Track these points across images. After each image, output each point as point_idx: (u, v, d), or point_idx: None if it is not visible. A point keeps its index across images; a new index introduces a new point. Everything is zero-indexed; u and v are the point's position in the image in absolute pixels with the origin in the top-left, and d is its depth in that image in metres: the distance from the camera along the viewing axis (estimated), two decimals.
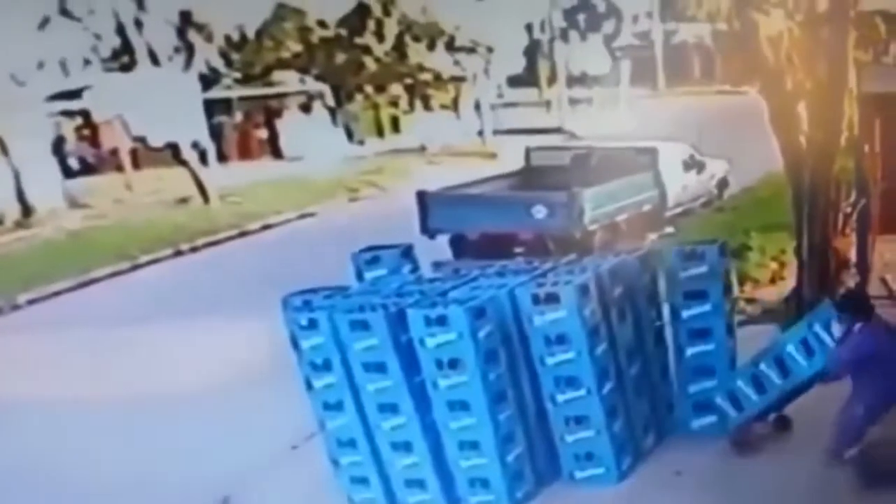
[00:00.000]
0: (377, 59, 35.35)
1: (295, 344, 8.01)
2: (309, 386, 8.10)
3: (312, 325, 7.88)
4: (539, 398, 8.14)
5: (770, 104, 11.55)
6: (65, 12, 26.56)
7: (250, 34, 33.87)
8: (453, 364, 7.60)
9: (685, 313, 8.74)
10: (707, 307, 8.71)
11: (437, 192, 16.91)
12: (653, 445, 8.74)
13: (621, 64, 45.00)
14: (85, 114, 29.13)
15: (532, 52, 42.79)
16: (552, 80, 42.44)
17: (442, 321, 7.54)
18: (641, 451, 8.57)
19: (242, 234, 21.79)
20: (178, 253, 20.06)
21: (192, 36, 29.59)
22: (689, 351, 8.80)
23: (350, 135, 35.59)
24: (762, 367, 8.26)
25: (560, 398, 8.02)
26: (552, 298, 7.83)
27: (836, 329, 7.85)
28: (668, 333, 9.03)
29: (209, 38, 31.09)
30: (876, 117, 12.27)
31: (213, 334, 13.46)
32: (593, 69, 44.32)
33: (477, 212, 16.14)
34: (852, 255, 11.84)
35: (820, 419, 8.34)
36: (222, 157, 31.03)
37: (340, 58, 35.06)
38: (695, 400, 8.86)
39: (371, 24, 34.86)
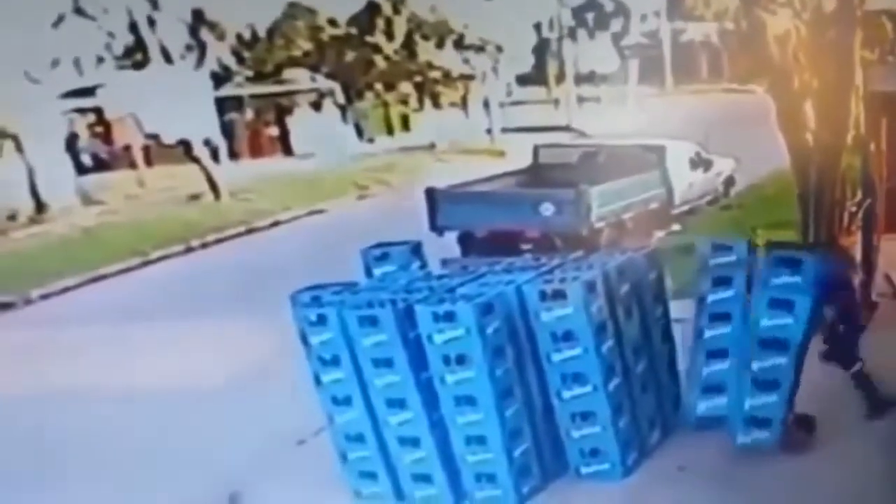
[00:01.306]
0: (387, 58, 35.46)
1: (304, 339, 8.10)
2: (317, 381, 8.17)
3: (321, 320, 7.97)
4: (546, 394, 8.20)
5: (777, 103, 11.58)
6: (79, 11, 26.70)
7: (262, 32, 33.99)
8: (461, 360, 7.67)
9: (710, 297, 8.87)
10: (730, 293, 8.82)
11: (446, 190, 17.00)
12: (658, 441, 8.80)
13: (629, 62, 45.02)
14: (98, 111, 29.36)
15: (541, 50, 42.78)
16: (560, 78, 42.46)
17: (450, 317, 7.61)
18: (646, 447, 8.62)
19: (253, 231, 21.92)
20: (190, 249, 20.20)
21: (205, 34, 29.69)
22: (708, 333, 8.89)
23: (360, 132, 35.70)
24: (755, 365, 8.22)
25: (566, 394, 8.09)
26: (559, 295, 7.91)
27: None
28: (692, 318, 9.17)
29: (221, 37, 31.18)
30: (882, 116, 12.29)
31: (223, 330, 13.56)
32: (601, 67, 44.33)
33: (485, 209, 16.23)
34: (857, 254, 11.89)
35: (825, 416, 8.51)
36: (234, 155, 31.20)
37: (350, 56, 35.18)
38: (706, 383, 8.94)
39: (381, 23, 34.96)
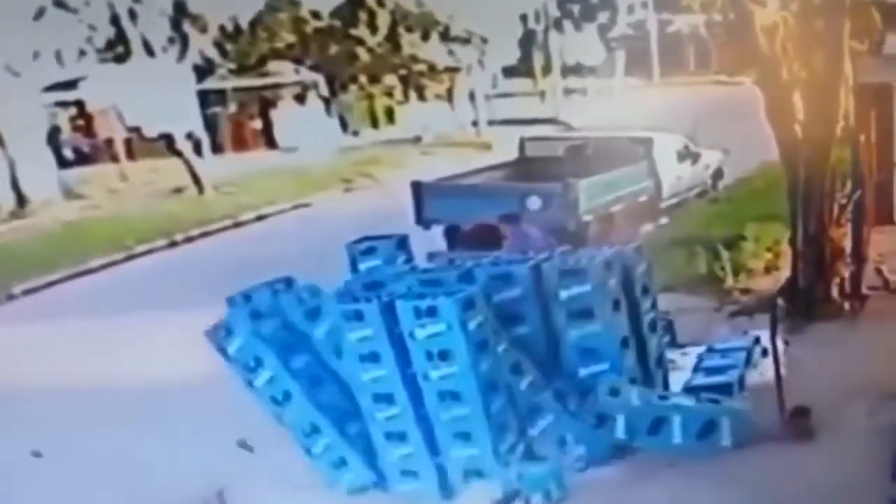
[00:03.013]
0: (370, 50, 35.32)
1: (223, 352, 8.30)
2: (249, 384, 8.38)
3: (229, 332, 8.28)
4: None
5: (765, 94, 11.55)
6: (60, 3, 26.55)
7: (244, 25, 33.86)
8: (444, 355, 7.59)
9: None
10: None
11: (432, 183, 16.88)
12: None
13: (616, 54, 45.04)
14: (80, 104, 29.13)
15: (527, 42, 42.77)
16: (547, 70, 42.39)
17: (432, 312, 7.53)
18: None
19: (237, 225, 21.77)
20: (173, 243, 20.04)
21: (187, 27, 29.55)
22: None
23: (345, 125, 35.56)
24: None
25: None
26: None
27: None
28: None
29: (203, 29, 31.04)
30: (872, 108, 12.27)
31: (207, 324, 13.38)
32: (588, 59, 44.29)
33: (471, 203, 16.10)
34: (847, 246, 11.84)
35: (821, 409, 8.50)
36: (217, 148, 31.02)
37: (334, 48, 35.02)
38: None
39: (364, 16, 34.82)
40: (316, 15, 34.83)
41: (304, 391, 8.16)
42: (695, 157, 20.16)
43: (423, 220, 16.34)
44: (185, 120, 26.74)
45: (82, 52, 28.02)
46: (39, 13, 26.30)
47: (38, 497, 9.10)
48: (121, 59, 27.71)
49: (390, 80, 37.19)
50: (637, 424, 8.12)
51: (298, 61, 35.38)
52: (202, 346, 12.50)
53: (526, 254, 9.06)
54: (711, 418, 8.26)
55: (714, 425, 8.23)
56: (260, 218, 22.40)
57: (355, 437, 8.23)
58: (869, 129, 12.09)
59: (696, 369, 9.65)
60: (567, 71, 42.98)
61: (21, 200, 23.91)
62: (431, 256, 9.65)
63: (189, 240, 20.38)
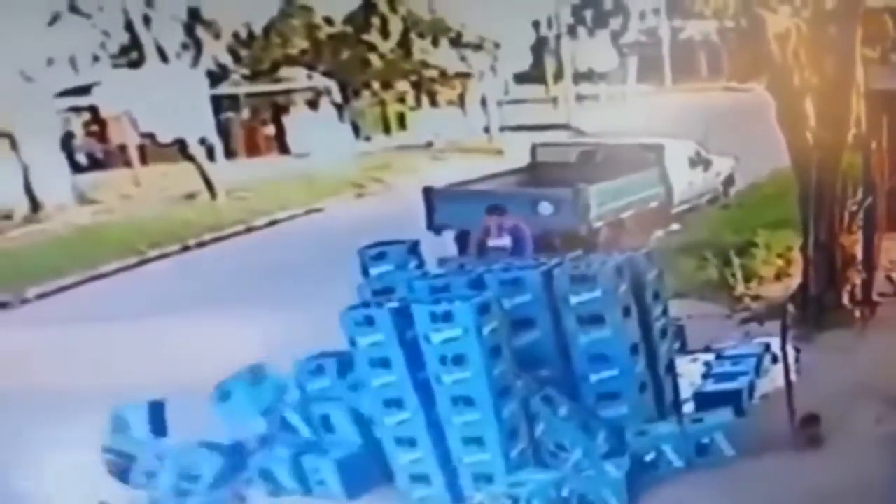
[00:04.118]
0: (382, 56, 35.37)
1: None
2: None
3: None
4: None
5: (777, 101, 11.54)
6: (74, 9, 26.59)
7: (258, 31, 33.85)
8: (458, 360, 7.61)
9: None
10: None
11: (444, 189, 16.92)
12: None
13: (628, 60, 45.06)
14: (93, 110, 29.24)
15: (539, 48, 42.70)
16: (559, 76, 42.38)
17: (447, 317, 7.56)
18: None
19: (249, 230, 21.82)
20: (186, 248, 20.10)
21: (200, 32, 29.58)
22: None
23: (357, 131, 35.58)
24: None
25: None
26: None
27: None
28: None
29: (217, 35, 31.05)
30: (883, 114, 12.24)
31: (220, 329, 13.46)
32: (600, 66, 44.29)
33: (483, 208, 16.12)
34: (858, 253, 11.82)
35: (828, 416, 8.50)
36: (230, 153, 31.06)
37: (347, 54, 35.08)
38: None
39: (376, 21, 34.87)
40: (329, 21, 34.83)
41: None
42: (706, 164, 20.14)
43: (434, 226, 16.39)
44: (199, 125, 26.79)
45: (96, 58, 28.06)
46: (54, 19, 26.38)
47: (46, 499, 9.13)
48: (134, 64, 27.77)
49: (402, 85, 37.25)
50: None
51: (311, 67, 35.42)
52: (214, 350, 12.64)
53: (537, 260, 9.09)
54: (700, 440, 8.22)
55: (707, 445, 8.21)
56: (272, 223, 22.45)
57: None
58: (880, 136, 12.07)
59: (706, 376, 9.64)
60: (579, 77, 43.00)
61: (35, 205, 24.00)
62: (442, 262, 9.68)
63: (202, 245, 20.44)
